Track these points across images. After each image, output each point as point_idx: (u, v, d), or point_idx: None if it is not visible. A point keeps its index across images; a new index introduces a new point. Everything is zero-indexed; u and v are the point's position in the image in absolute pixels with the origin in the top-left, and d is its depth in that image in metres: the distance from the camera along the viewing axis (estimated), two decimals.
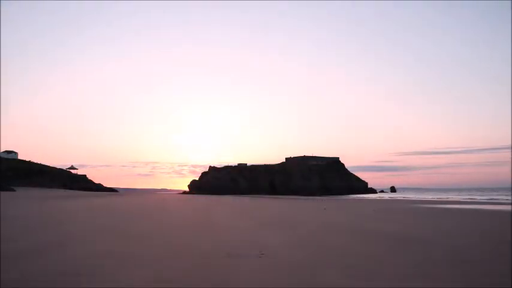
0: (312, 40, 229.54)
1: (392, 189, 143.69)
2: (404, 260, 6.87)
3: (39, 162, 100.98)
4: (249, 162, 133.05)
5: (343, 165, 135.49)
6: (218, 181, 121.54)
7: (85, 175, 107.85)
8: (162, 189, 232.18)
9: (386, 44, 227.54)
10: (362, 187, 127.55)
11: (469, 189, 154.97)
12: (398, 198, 68.15)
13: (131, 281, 5.18)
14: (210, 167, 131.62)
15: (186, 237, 9.70)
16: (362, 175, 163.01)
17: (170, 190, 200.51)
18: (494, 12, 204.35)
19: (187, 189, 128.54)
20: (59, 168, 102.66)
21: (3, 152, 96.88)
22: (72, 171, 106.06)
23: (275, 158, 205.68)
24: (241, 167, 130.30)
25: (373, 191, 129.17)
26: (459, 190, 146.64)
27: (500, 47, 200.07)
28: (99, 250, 7.49)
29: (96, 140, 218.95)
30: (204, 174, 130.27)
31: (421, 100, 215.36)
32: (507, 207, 29.40)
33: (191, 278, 5.35)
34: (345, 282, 5.22)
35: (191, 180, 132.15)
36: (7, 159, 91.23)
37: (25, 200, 31.93)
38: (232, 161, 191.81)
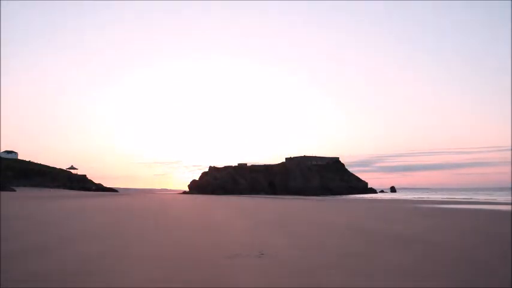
0: (311, 40, 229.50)
1: (392, 189, 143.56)
2: (404, 260, 6.86)
3: (39, 162, 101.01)
4: (249, 162, 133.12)
5: (343, 165, 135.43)
6: (218, 181, 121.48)
7: (85, 175, 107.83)
8: (162, 189, 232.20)
9: (385, 42, 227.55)
10: (362, 187, 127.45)
11: (469, 189, 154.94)
12: (398, 198, 68.16)
13: (131, 280, 5.18)
14: (210, 167, 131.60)
15: (185, 237, 9.70)
16: (362, 175, 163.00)
17: (170, 190, 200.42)
18: (494, 12, 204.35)
19: (187, 189, 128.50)
20: (59, 168, 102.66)
21: (3, 152, 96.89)
22: (72, 171, 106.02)
23: (275, 158, 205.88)
24: (241, 167, 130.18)
25: (373, 191, 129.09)
26: (459, 190, 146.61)
27: (500, 47, 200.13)
28: (98, 250, 7.48)
29: (102, 140, 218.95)
30: (204, 174, 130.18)
31: (421, 100, 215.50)
32: (507, 207, 29.39)
33: (191, 278, 5.35)
34: (344, 282, 5.22)
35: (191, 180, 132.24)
36: (7, 159, 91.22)
37: (25, 200, 31.93)
38: (232, 161, 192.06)
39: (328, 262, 6.55)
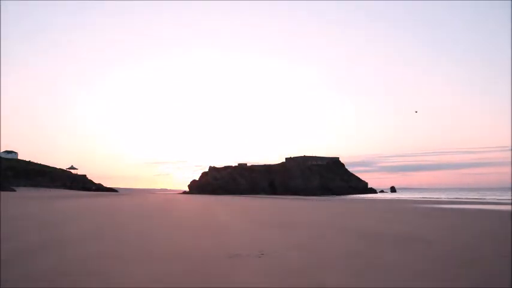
0: (311, 40, 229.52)
1: (393, 189, 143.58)
2: (404, 260, 6.86)
3: (39, 162, 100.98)
4: (249, 162, 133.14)
5: (343, 165, 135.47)
6: (218, 181, 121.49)
7: (85, 175, 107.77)
8: (161, 189, 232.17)
9: (387, 42, 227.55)
10: (362, 187, 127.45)
11: (469, 189, 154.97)
12: (398, 198, 68.16)
13: (131, 281, 5.17)
14: (210, 167, 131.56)
15: (185, 237, 9.70)
16: (362, 175, 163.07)
17: (170, 190, 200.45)
18: (494, 12, 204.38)
19: (187, 189, 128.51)
20: (59, 168, 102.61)
21: (3, 152, 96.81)
22: (72, 171, 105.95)
23: (275, 158, 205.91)
24: (241, 167, 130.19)
25: (373, 191, 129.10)
26: (459, 190, 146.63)
27: (500, 47, 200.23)
28: (98, 250, 7.48)
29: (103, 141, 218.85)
30: (204, 174, 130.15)
31: (421, 100, 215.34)
32: (507, 207, 29.39)
33: (191, 278, 5.35)
34: (344, 282, 5.22)
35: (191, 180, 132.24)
36: (7, 159, 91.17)
37: (25, 200, 31.93)
38: (232, 161, 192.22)
39: (328, 262, 6.55)
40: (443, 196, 72.54)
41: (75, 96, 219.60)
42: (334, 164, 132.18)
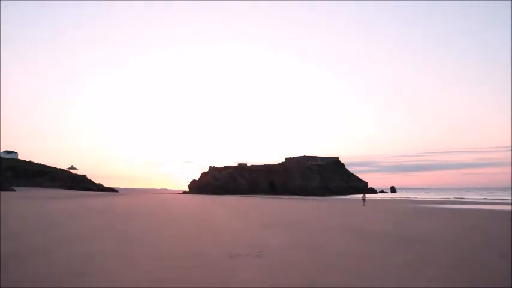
0: (313, 40, 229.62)
1: (392, 189, 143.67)
2: (404, 260, 6.86)
3: (39, 162, 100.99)
4: (249, 162, 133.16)
5: (343, 165, 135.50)
6: (218, 181, 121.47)
7: (85, 175, 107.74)
8: (162, 189, 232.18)
9: (386, 45, 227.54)
10: (362, 187, 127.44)
11: (469, 189, 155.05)
12: (398, 198, 68.15)
13: (131, 281, 5.17)
14: (210, 167, 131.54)
15: (186, 237, 9.71)
16: (362, 175, 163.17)
17: (170, 190, 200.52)
18: (494, 12, 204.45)
19: (187, 189, 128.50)
20: (59, 168, 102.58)
21: (3, 152, 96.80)
22: (72, 171, 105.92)
23: (275, 158, 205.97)
24: (241, 167, 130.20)
25: (373, 191, 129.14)
26: (459, 190, 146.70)
27: (500, 47, 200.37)
28: (99, 250, 7.48)
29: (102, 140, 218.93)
30: (204, 174, 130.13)
31: (421, 101, 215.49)
32: (507, 207, 29.40)
33: (191, 278, 5.35)
34: (344, 282, 5.22)
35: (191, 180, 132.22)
36: (7, 159, 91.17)
37: (25, 200, 31.93)
38: (232, 161, 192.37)
39: (328, 262, 6.55)
40: (443, 196, 72.53)
41: (75, 96, 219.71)
42: (334, 164, 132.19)
